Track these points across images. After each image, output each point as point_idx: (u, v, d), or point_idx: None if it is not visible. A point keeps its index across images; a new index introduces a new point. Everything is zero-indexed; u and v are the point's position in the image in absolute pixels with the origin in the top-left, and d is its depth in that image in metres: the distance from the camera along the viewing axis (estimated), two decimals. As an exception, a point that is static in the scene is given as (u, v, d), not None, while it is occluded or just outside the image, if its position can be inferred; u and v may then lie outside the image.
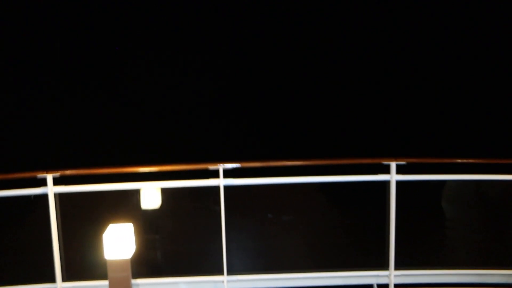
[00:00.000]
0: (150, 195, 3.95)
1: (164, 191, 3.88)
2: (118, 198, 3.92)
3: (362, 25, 14.29)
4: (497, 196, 4.88)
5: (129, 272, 3.10)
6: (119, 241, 3.09)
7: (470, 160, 3.63)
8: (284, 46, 14.14)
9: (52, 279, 3.70)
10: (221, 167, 3.61)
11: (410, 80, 13.36)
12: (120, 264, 3.09)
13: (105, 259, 3.09)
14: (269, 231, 3.99)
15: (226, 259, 3.67)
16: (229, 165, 3.61)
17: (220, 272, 3.69)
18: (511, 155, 4.36)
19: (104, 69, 13.44)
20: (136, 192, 3.89)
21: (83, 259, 3.86)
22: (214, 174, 3.68)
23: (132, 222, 3.64)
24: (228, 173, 3.69)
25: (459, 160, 3.69)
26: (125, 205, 3.94)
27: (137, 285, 3.58)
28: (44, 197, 3.66)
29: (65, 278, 3.75)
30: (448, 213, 5.33)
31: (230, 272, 3.71)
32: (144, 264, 3.81)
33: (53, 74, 12.98)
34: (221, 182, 3.62)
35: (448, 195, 5.56)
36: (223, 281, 3.69)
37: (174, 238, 4.03)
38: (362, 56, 13.88)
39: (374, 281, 3.94)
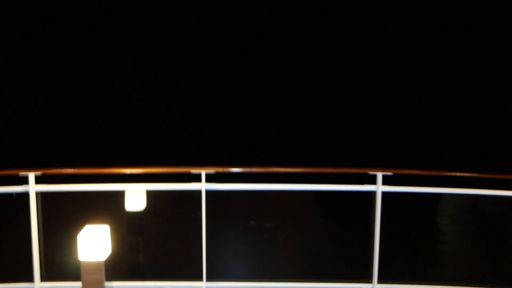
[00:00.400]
0: (133, 197, 3.92)
1: (147, 193, 3.85)
2: (101, 199, 3.88)
3: (347, 36, 14.24)
4: (491, 212, 4.79)
5: (102, 275, 3.06)
6: (94, 243, 3.05)
7: (458, 174, 3.56)
8: (269, 53, 14.10)
9: (30, 279, 3.68)
10: (203, 171, 3.57)
11: (401, 89, 13.28)
12: (93, 266, 3.05)
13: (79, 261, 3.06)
14: (251, 239, 3.93)
15: (206, 265, 3.61)
16: (211, 170, 3.56)
17: (200, 278, 3.64)
18: (502, 169, 4.28)
19: (90, 69, 13.45)
20: (119, 194, 3.85)
21: (62, 259, 3.83)
22: (197, 178, 3.64)
23: (115, 224, 3.61)
24: (211, 178, 3.64)
25: (447, 173, 3.61)
26: (108, 207, 3.90)
27: (112, 287, 3.54)
28: (26, 195, 3.64)
29: (44, 278, 3.73)
30: (442, 227, 5.25)
31: (210, 279, 3.65)
32: (123, 267, 3.77)
33: (37, 72, 13.01)
34: (203, 186, 3.57)
35: (443, 209, 5.48)
36: (202, 287, 3.63)
37: (155, 241, 3.98)
38: (350, 64, 13.81)
39: None
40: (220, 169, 3.60)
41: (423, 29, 13.96)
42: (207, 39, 14.21)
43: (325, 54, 14.02)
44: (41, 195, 3.72)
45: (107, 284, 3.11)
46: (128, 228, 3.93)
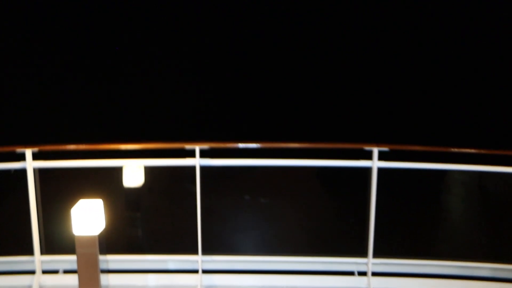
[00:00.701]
0: (131, 173, 3.94)
1: (143, 170, 3.87)
2: (98, 175, 3.92)
3: (341, 13, 13.97)
4: (495, 189, 4.72)
5: (96, 248, 3.10)
6: (87, 217, 3.09)
7: (455, 149, 3.50)
8: (259, 29, 13.90)
9: (30, 252, 3.76)
10: (197, 147, 3.56)
11: (396, 64, 13.07)
12: (87, 240, 3.10)
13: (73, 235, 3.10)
14: (246, 213, 3.95)
15: (201, 239, 3.65)
16: (206, 146, 3.56)
17: (195, 252, 3.68)
18: (504, 145, 4.21)
19: (85, 46, 13.40)
20: (116, 169, 3.88)
21: (60, 233, 3.89)
22: (192, 154, 3.64)
23: (112, 199, 3.65)
24: (205, 154, 3.64)
25: (445, 149, 3.55)
26: (105, 182, 3.94)
27: (107, 261, 3.61)
28: (23, 172, 3.69)
29: (43, 251, 3.81)
30: (444, 204, 5.21)
31: (205, 252, 3.69)
32: (119, 241, 3.83)
33: (34, 49, 13.00)
34: (197, 161, 3.58)
35: (448, 186, 5.41)
36: (197, 261, 3.68)
37: (151, 216, 4.03)
38: (345, 41, 13.59)
39: (354, 268, 3.88)
40: (214, 145, 3.60)
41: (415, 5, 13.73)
42: (197, 17, 14.09)
43: (316, 32, 13.83)
44: (38, 171, 3.78)
45: (101, 257, 3.16)
46: (126, 203, 3.97)
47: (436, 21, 13.99)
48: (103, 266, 3.55)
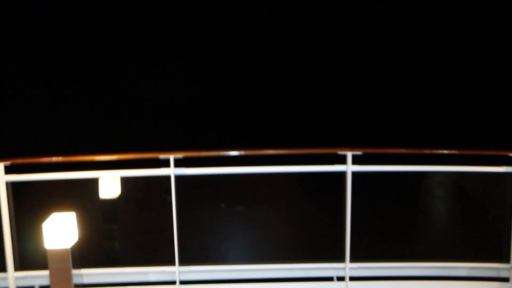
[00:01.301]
0: (107, 184, 3.90)
1: (119, 181, 3.83)
2: (72, 187, 3.87)
3: (316, 20, 14.17)
4: (472, 189, 4.78)
5: (69, 262, 3.05)
6: (59, 230, 3.04)
7: (427, 151, 3.54)
8: (239, 35, 13.97)
9: (3, 269, 3.68)
10: (171, 156, 3.55)
11: (369, 70, 13.27)
12: (59, 253, 3.05)
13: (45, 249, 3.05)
14: (222, 222, 3.93)
15: (178, 250, 3.62)
16: (180, 155, 3.55)
17: (172, 263, 3.64)
18: (479, 146, 4.27)
19: (58, 60, 13.32)
20: (90, 181, 3.83)
21: (34, 248, 3.83)
22: (166, 163, 3.62)
23: (86, 211, 3.60)
24: (180, 163, 3.63)
25: (417, 151, 3.60)
26: (80, 194, 3.89)
27: (81, 275, 3.55)
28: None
29: (18, 267, 3.73)
30: (422, 206, 5.25)
31: (182, 263, 3.66)
32: (94, 254, 3.77)
33: (9, 60, 12.86)
34: (172, 171, 3.56)
35: (426, 188, 5.46)
36: (175, 272, 3.64)
37: (127, 228, 3.98)
38: (320, 46, 13.73)
39: (333, 274, 3.88)
40: (188, 154, 3.58)
41: (399, 11, 13.98)
42: (170, 29, 14.11)
43: (290, 38, 13.97)
44: (11, 185, 3.72)
45: (75, 271, 3.12)
46: (101, 215, 3.92)
47: (413, 26, 14.23)
48: (77, 280, 3.50)
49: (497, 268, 3.76)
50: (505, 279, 3.74)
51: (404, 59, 14.16)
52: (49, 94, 12.38)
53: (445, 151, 3.53)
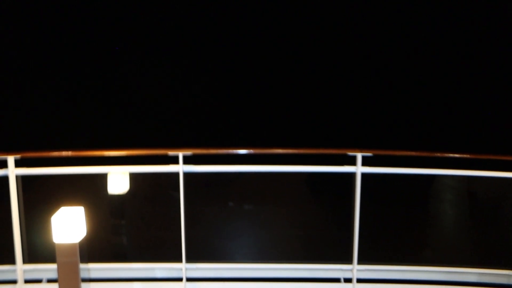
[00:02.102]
0: (116, 180, 3.91)
1: (127, 176, 3.84)
2: (81, 181, 3.88)
3: (317, 21, 14.09)
4: (484, 194, 4.71)
5: (77, 256, 3.06)
6: (67, 225, 3.05)
7: (438, 154, 3.50)
8: (245, 32, 13.92)
9: (12, 261, 3.71)
10: (180, 153, 3.54)
11: (380, 73, 13.16)
12: (68, 248, 3.06)
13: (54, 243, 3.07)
14: (230, 220, 3.93)
15: (185, 247, 3.61)
16: (189, 152, 3.54)
17: (179, 260, 3.64)
18: (489, 150, 4.21)
19: (70, 53, 13.37)
20: (99, 176, 3.85)
21: (44, 241, 3.85)
22: (175, 160, 3.62)
23: (95, 206, 3.61)
24: (189, 160, 3.62)
25: (426, 154, 3.55)
26: (88, 189, 3.90)
27: (89, 269, 3.56)
28: (5, 179, 3.65)
29: (26, 260, 3.76)
30: (432, 210, 5.19)
31: (189, 260, 3.66)
32: (102, 249, 3.78)
33: (17, 56, 12.95)
34: (180, 168, 3.55)
35: (437, 192, 5.40)
36: (181, 269, 3.64)
37: (135, 223, 3.99)
38: (329, 48, 13.66)
39: (340, 275, 3.85)
40: (197, 151, 3.58)
41: (411, 13, 13.86)
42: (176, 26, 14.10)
43: (299, 39, 13.92)
44: (21, 179, 3.74)
45: (83, 265, 3.13)
46: (110, 211, 3.93)
47: (418, 29, 14.08)
48: (84, 274, 3.52)
49: (508, 275, 3.71)
50: (516, 286, 3.69)
51: (417, 61, 14.03)
52: (61, 89, 12.49)
53: (457, 155, 3.48)
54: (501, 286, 3.68)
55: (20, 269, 3.70)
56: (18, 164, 3.69)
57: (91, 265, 3.60)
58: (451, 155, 3.46)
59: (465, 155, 3.39)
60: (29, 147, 3.87)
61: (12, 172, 3.65)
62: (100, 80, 12.84)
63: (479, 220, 4.21)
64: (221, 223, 3.91)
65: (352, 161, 3.65)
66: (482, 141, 10.08)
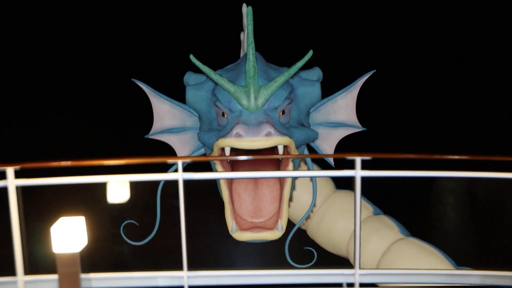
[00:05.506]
0: (116, 189, 3.92)
1: (128, 185, 3.85)
2: (82, 191, 3.89)
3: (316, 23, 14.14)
4: (484, 196, 4.72)
5: (78, 267, 3.06)
6: (67, 235, 3.05)
7: (437, 156, 3.49)
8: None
9: (13, 273, 3.70)
10: (179, 161, 3.54)
11: (376, 74, 13.20)
12: (68, 258, 3.06)
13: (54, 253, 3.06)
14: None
15: (186, 254, 3.60)
16: (188, 160, 3.54)
17: (180, 268, 3.63)
18: (489, 151, 4.21)
19: (66, 63, 13.38)
20: (99, 186, 3.85)
21: (45, 252, 3.84)
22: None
23: (96, 215, 3.60)
24: (188, 168, 3.63)
25: (425, 156, 3.55)
26: (88, 198, 3.91)
27: (90, 279, 3.55)
28: (5, 190, 3.65)
29: (27, 272, 3.75)
30: (434, 213, 5.21)
31: (190, 268, 3.65)
32: (104, 259, 3.78)
33: (14, 65, 12.95)
34: (180, 176, 3.55)
35: (438, 195, 5.43)
36: (183, 277, 3.63)
37: (137, 232, 3.99)
38: (325, 46, 13.67)
39: (342, 280, 3.84)
40: (196, 159, 3.58)
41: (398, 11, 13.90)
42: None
43: (295, 39, 13.94)
44: (21, 190, 3.74)
45: (84, 275, 3.12)
46: (110, 219, 3.93)
47: (417, 30, 14.12)
48: (85, 284, 3.50)
49: (511, 277, 3.69)
50: (519, 287, 3.66)
51: (414, 62, 14.05)
52: (59, 98, 12.50)
53: (456, 157, 3.47)
54: (504, 288, 3.67)
55: (21, 280, 3.69)
56: (17, 175, 3.69)
57: (92, 275, 3.59)
58: (451, 157, 3.46)
59: (464, 157, 3.39)
60: (28, 158, 3.86)
61: (12, 183, 3.64)
62: (98, 88, 12.85)
63: (480, 221, 4.21)
64: (222, 229, 3.91)
65: (351, 165, 3.65)
66: (483, 142, 10.10)
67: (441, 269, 3.69)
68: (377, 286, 3.94)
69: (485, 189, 4.52)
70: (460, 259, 4.24)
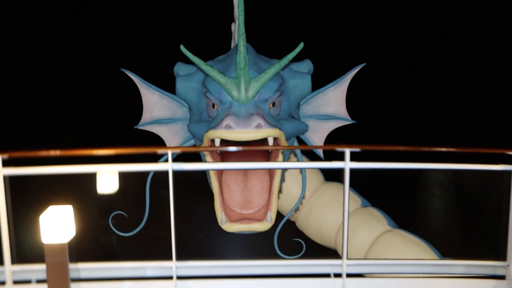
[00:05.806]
0: (105, 179, 3.91)
1: (117, 175, 3.83)
2: (70, 181, 3.87)
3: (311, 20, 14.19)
4: (470, 188, 4.80)
5: (66, 256, 3.06)
6: (56, 224, 3.04)
7: (425, 148, 3.54)
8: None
9: (0, 262, 3.68)
10: (169, 151, 3.54)
11: (366, 67, 13.33)
12: (57, 248, 3.05)
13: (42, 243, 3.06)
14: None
15: (175, 245, 3.61)
16: (178, 150, 3.54)
17: (169, 258, 3.64)
18: (478, 144, 4.28)
19: (56, 53, 13.24)
20: (88, 175, 3.83)
21: (33, 241, 3.82)
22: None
23: (84, 205, 3.59)
24: (178, 158, 3.62)
25: (413, 148, 3.60)
26: (77, 188, 3.89)
27: (78, 269, 3.55)
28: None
29: (15, 261, 3.73)
30: (420, 204, 5.28)
31: (179, 258, 3.66)
32: (92, 249, 3.77)
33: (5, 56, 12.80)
34: (169, 166, 3.55)
35: (424, 186, 5.50)
36: (172, 267, 3.64)
37: (126, 222, 3.98)
38: (328, 43, 13.72)
39: (330, 270, 3.89)
40: (186, 149, 3.58)
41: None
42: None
43: (289, 37, 14.02)
44: (9, 179, 3.71)
45: (72, 265, 3.12)
46: (99, 210, 3.92)
47: (415, 27, 14.20)
48: (74, 274, 3.50)
49: (494, 266, 3.77)
50: (502, 277, 3.75)
51: (403, 56, 14.12)
52: (49, 88, 12.36)
53: (443, 149, 3.52)
54: (487, 277, 3.75)
55: (9, 270, 3.67)
56: (5, 163, 3.66)
57: (81, 265, 3.59)
58: (438, 149, 3.51)
59: (451, 149, 3.44)
60: (16, 147, 3.83)
61: (0, 172, 3.62)
62: (89, 79, 12.74)
63: (465, 213, 4.29)
64: (211, 220, 3.92)
65: (340, 157, 3.68)
66: (470, 134, 10.23)
67: (426, 259, 3.75)
68: (364, 276, 3.99)
69: (471, 181, 4.60)
70: (446, 250, 4.32)
